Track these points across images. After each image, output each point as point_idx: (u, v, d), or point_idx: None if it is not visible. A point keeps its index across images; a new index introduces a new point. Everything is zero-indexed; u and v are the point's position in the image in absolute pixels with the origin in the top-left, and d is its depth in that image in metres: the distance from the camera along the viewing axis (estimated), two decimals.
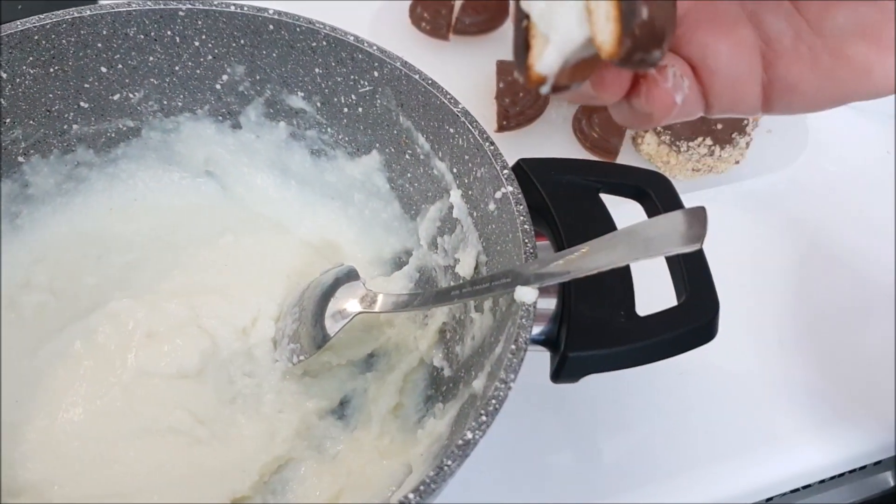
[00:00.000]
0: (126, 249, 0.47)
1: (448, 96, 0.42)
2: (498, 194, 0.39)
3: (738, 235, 0.58)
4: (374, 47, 0.44)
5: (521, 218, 0.38)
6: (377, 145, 0.47)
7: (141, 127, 0.48)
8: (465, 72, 0.63)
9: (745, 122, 0.58)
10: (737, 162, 0.58)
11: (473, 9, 0.65)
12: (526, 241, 0.38)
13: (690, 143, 0.56)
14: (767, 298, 0.55)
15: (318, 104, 0.47)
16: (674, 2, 0.26)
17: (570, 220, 0.40)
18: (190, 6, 0.44)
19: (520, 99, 0.59)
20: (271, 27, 0.45)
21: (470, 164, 0.42)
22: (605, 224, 0.41)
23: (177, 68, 0.46)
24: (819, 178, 0.62)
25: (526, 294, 0.36)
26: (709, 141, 0.56)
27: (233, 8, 0.44)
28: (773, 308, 0.55)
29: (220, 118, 0.48)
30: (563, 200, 0.41)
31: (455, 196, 0.43)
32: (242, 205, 0.49)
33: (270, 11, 0.45)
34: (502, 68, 0.61)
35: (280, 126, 0.48)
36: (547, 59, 0.27)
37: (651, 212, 0.42)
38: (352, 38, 0.44)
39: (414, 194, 0.47)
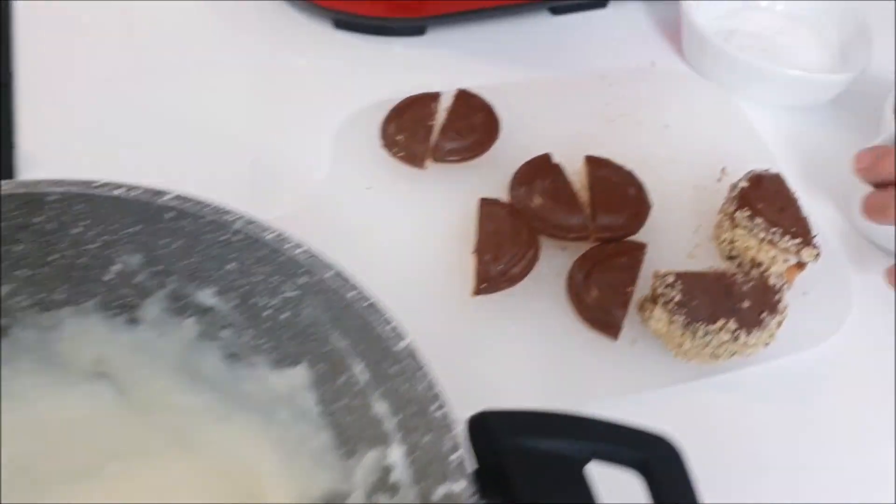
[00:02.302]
0: None
1: (390, 326, 0.32)
2: (440, 490, 0.29)
3: (768, 431, 0.48)
4: (301, 249, 0.34)
5: None
6: (307, 358, 0.37)
7: (11, 325, 0.38)
8: (441, 209, 0.53)
9: (778, 296, 0.47)
10: (766, 344, 0.47)
11: (456, 132, 0.54)
12: None
13: (709, 327, 0.45)
14: None
15: (234, 303, 0.37)
16: None
17: None
18: (63, 190, 0.34)
19: (504, 254, 0.49)
20: (169, 215, 0.35)
21: (415, 420, 0.32)
22: None
23: (52, 258, 0.36)
24: (865, 354, 0.51)
25: None
26: (732, 325, 0.45)
27: (118, 192, 0.35)
28: None
29: (114, 312, 0.39)
30: (534, 481, 0.30)
31: (396, 453, 0.33)
32: (140, 418, 0.39)
33: (168, 197, 0.35)
34: (486, 211, 0.51)
35: (187, 323, 0.38)
36: None
37: (654, 492, 0.31)
38: (271, 235, 0.34)
39: (350, 428, 0.36)
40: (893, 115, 0.57)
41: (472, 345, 0.48)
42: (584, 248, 0.51)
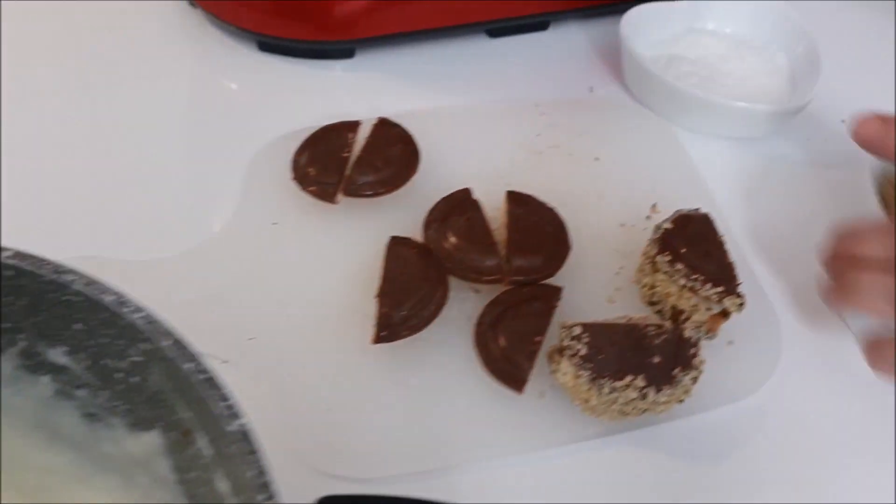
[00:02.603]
0: None
1: (225, 404, 0.30)
2: None
3: (685, 490, 0.44)
4: (140, 315, 0.32)
5: None
6: (159, 424, 0.35)
7: None
8: (351, 248, 0.50)
9: (693, 350, 0.44)
10: (680, 401, 0.45)
11: (371, 165, 0.52)
12: None
13: (616, 384, 0.43)
14: None
15: (85, 364, 0.35)
16: None
17: None
18: None
19: (408, 298, 0.46)
20: (8, 273, 0.33)
21: None
22: None
23: None
24: (795, 407, 0.49)
25: None
26: (640, 381, 0.43)
27: None
28: None
29: None
30: None
31: None
32: None
33: (6, 254, 0.33)
34: (394, 251, 0.49)
35: (43, 381, 0.36)
36: None
37: None
38: (110, 297, 0.32)
39: (206, 499, 0.34)
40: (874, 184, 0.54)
41: (371, 397, 0.45)
42: (498, 291, 0.49)
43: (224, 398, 0.30)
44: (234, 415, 0.29)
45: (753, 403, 0.48)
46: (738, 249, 0.53)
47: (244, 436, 0.29)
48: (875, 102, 0.63)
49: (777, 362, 0.49)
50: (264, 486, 0.28)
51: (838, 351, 0.50)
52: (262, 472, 0.28)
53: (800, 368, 0.49)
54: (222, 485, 0.31)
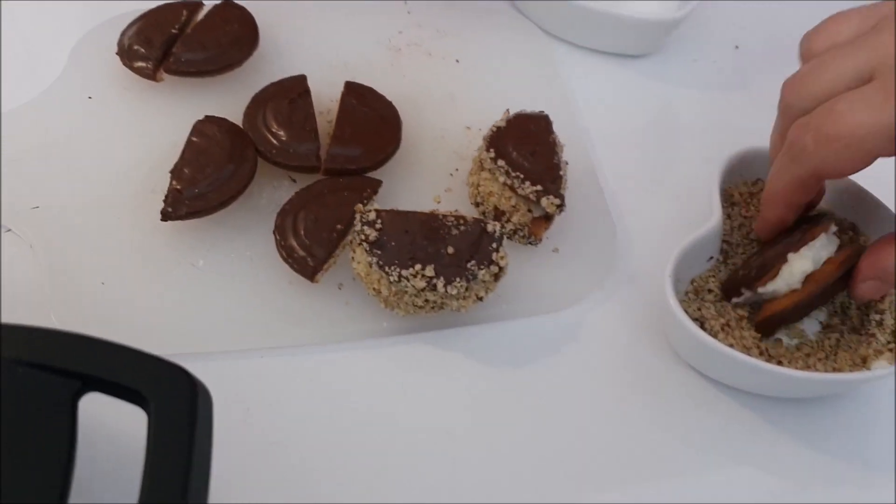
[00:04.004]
0: None
1: None
2: None
3: (471, 397, 0.42)
4: None
5: None
6: None
7: None
8: (166, 127, 0.47)
9: (494, 244, 0.41)
10: (479, 298, 0.42)
11: (199, 43, 0.49)
12: None
13: (403, 272, 0.40)
14: None
15: None
16: None
17: None
18: None
19: (207, 176, 0.44)
20: None
21: None
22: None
23: None
24: (624, 318, 0.46)
25: None
26: (429, 271, 0.40)
27: None
28: None
29: None
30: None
31: None
32: None
33: None
34: (200, 128, 0.45)
35: None
36: None
37: (152, 430, 0.26)
38: None
39: None
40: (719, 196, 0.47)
41: (153, 276, 0.43)
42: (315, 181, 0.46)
43: None
44: None
45: (572, 316, 0.45)
46: (587, 161, 0.50)
47: None
48: (768, 29, 0.59)
49: (604, 278, 0.46)
50: None
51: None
52: None
53: (628, 287, 0.46)
54: None
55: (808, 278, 0.42)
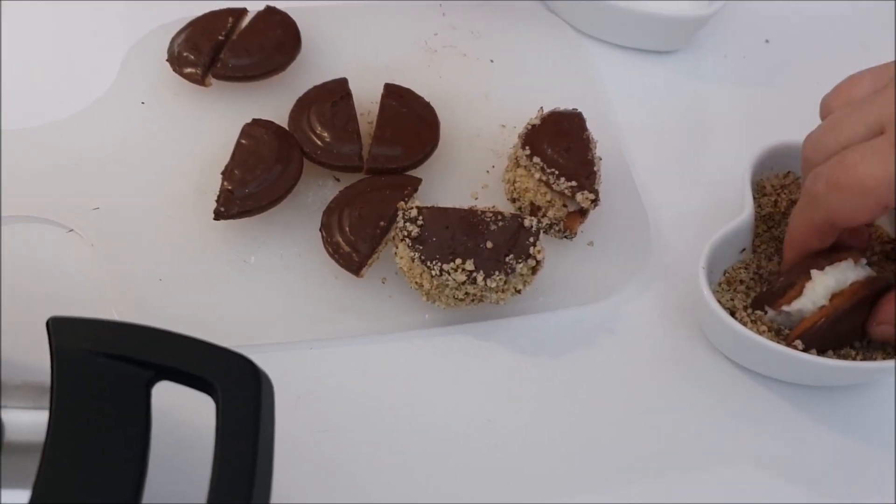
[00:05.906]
0: None
1: None
2: None
3: (518, 384, 0.43)
4: None
5: None
6: None
7: None
8: (216, 130, 0.49)
9: (532, 238, 0.42)
10: (517, 291, 0.44)
11: (245, 49, 0.51)
12: None
13: (444, 266, 0.41)
14: None
15: None
16: None
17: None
18: None
19: (257, 176, 0.46)
20: None
21: None
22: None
23: None
24: (658, 310, 0.47)
25: None
26: (469, 265, 0.41)
27: None
28: None
29: None
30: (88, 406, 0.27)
31: None
32: None
33: None
34: (248, 130, 0.48)
35: None
36: None
37: (220, 416, 0.28)
38: None
39: None
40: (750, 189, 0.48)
41: (207, 272, 0.45)
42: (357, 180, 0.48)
43: None
44: None
45: (606, 308, 0.46)
46: (620, 156, 0.51)
47: None
48: (797, 23, 0.60)
49: (638, 270, 0.47)
50: None
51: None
52: None
53: (662, 279, 0.47)
54: None
55: (834, 296, 0.42)
